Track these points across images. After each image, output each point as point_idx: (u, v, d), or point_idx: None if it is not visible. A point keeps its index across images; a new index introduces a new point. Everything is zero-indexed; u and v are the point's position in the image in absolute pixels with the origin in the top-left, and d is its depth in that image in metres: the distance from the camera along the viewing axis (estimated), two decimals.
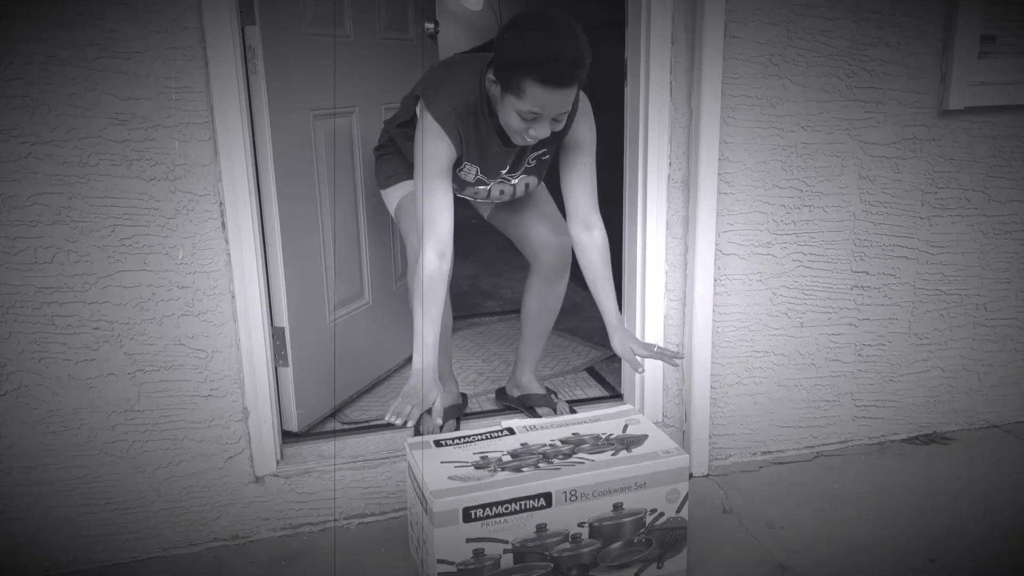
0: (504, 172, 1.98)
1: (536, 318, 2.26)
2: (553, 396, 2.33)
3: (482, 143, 1.88)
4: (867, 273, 2.29)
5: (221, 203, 1.84)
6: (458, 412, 2.27)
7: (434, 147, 1.79)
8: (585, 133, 1.91)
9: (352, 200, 2.39)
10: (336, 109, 2.28)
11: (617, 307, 1.97)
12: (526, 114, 1.70)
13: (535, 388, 2.33)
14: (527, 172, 2.02)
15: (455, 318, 2.52)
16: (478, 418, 2.33)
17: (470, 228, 3.43)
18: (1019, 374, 2.50)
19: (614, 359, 2.72)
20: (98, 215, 1.78)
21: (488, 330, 3.12)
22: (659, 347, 1.91)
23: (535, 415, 2.27)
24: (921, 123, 2.22)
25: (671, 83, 2.05)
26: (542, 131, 1.74)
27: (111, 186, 1.77)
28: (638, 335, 2.22)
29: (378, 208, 2.47)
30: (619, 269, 2.30)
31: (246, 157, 1.86)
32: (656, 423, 2.23)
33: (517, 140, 1.80)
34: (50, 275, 1.78)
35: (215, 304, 1.89)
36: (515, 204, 2.18)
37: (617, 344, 1.94)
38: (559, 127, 1.77)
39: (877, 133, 2.20)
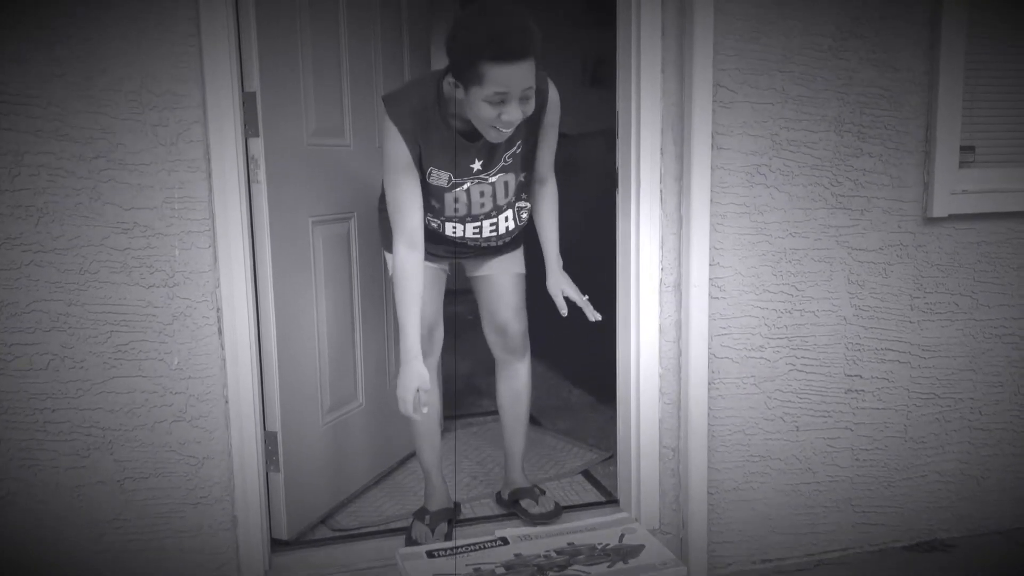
0: (476, 169, 1.99)
1: (509, 405, 2.30)
2: (537, 489, 2.31)
3: (444, 142, 1.93)
4: (861, 377, 2.30)
5: (219, 309, 1.86)
6: (449, 517, 2.23)
7: (393, 145, 1.90)
8: (553, 117, 2.04)
9: (348, 302, 2.42)
10: (335, 215, 2.33)
11: (558, 251, 2.17)
12: (492, 98, 1.74)
13: (520, 483, 2.32)
14: (504, 170, 2.03)
15: (446, 418, 2.50)
16: (472, 525, 2.29)
17: (465, 326, 3.46)
18: (1017, 479, 2.48)
19: (610, 462, 2.69)
20: (96, 322, 1.79)
21: (482, 430, 3.10)
22: (587, 299, 2.09)
23: (520, 508, 2.24)
24: (907, 230, 2.28)
25: (661, 191, 2.11)
26: (513, 114, 1.77)
27: (110, 293, 1.79)
28: (632, 439, 2.22)
29: (373, 309, 2.49)
30: (614, 373, 2.31)
31: (245, 264, 1.89)
32: (653, 530, 2.20)
33: (492, 136, 1.84)
34: (44, 381, 1.78)
35: (208, 409, 1.88)
36: (495, 287, 2.21)
37: (552, 283, 2.15)
38: (529, 109, 1.81)
39: (864, 240, 2.24)
